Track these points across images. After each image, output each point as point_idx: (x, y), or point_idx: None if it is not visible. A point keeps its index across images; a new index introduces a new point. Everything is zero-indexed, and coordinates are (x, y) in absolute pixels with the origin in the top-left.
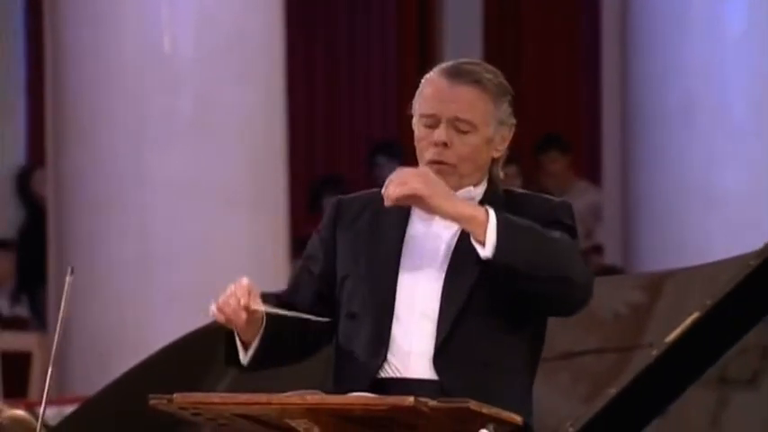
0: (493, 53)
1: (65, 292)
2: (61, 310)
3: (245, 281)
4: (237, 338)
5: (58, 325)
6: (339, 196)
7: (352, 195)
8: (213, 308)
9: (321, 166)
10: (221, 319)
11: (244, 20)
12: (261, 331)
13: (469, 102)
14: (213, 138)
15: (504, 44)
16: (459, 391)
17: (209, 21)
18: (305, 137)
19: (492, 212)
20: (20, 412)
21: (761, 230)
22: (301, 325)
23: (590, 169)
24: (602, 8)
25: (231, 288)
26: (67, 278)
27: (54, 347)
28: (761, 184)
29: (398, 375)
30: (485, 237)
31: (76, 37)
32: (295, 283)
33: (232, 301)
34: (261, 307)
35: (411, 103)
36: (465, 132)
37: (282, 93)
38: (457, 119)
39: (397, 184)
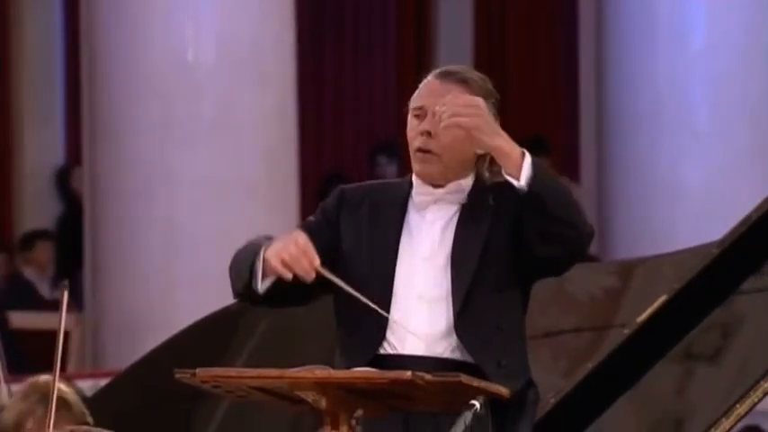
0: (482, 63)
1: (62, 304)
2: (61, 320)
3: (303, 238)
4: (259, 269)
5: (59, 333)
6: (341, 186)
7: (353, 185)
8: (277, 262)
9: (328, 163)
10: (287, 274)
11: (259, 33)
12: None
13: (455, 97)
14: (232, 137)
15: (492, 56)
16: (479, 350)
17: (228, 34)
18: (314, 137)
19: (527, 153)
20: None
21: (722, 221)
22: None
23: (569, 167)
24: (579, 25)
25: (292, 244)
26: (65, 294)
27: (59, 343)
28: (721, 179)
29: (396, 352)
30: (519, 172)
31: (110, 49)
32: None
33: (304, 263)
34: (328, 274)
35: (408, 104)
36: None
37: (294, 98)
38: None
39: (450, 114)
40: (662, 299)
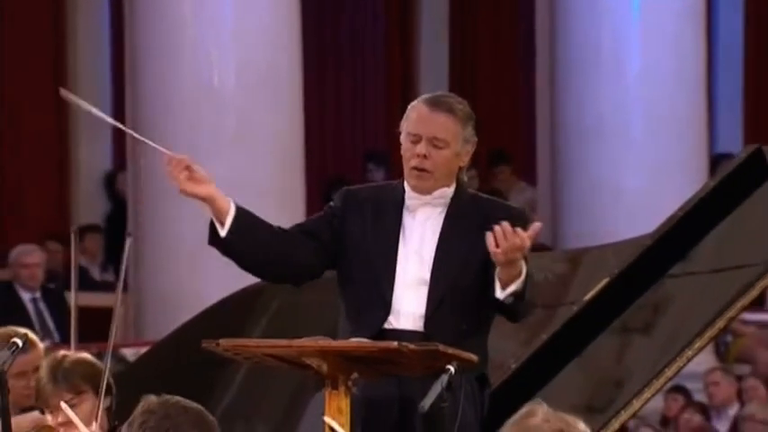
0: (456, 88)
1: (124, 251)
2: (123, 263)
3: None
4: (214, 219)
5: (120, 274)
6: (346, 187)
7: (356, 187)
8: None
9: (330, 169)
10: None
11: (273, 61)
12: (232, 210)
13: (444, 125)
14: (249, 148)
15: (463, 82)
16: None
17: (246, 62)
18: (318, 148)
19: (524, 273)
20: (85, 354)
21: (655, 218)
22: (273, 235)
23: (527, 173)
24: (536, 55)
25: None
26: (127, 240)
27: (119, 288)
28: (655, 183)
29: (392, 327)
30: (508, 284)
31: (149, 73)
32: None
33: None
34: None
35: (399, 123)
36: (440, 148)
37: (301, 115)
38: (435, 138)
39: (510, 254)
40: (604, 281)
